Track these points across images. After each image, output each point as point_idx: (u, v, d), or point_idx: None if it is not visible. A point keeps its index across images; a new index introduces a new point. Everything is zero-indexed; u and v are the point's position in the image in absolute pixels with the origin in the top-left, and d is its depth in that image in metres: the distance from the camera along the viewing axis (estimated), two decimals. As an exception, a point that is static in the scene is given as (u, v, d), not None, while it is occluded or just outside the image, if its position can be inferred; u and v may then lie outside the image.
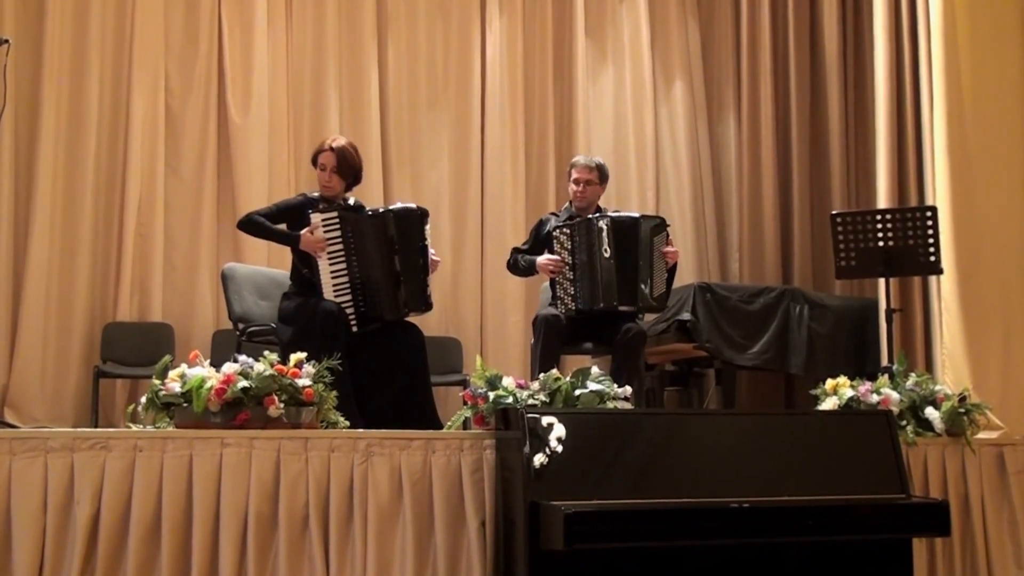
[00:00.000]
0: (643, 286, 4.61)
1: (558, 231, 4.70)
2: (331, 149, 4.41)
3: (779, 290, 5.98)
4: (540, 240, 4.91)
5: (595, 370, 3.76)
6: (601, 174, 4.84)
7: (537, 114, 6.83)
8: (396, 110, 6.58)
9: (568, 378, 3.71)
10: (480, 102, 6.70)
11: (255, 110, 6.25)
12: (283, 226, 4.43)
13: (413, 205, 4.52)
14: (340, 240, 4.32)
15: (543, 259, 4.75)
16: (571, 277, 4.68)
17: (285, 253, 4.62)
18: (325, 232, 4.29)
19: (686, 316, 5.64)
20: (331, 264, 4.30)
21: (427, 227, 4.49)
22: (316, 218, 4.31)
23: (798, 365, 5.83)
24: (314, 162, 4.47)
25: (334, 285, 4.28)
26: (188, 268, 6.10)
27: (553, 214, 5.00)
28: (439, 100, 6.68)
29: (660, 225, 4.73)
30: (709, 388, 6.19)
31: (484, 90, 6.72)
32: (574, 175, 4.84)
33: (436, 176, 6.61)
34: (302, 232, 4.29)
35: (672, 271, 4.76)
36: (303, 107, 6.42)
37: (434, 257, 4.53)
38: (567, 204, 4.98)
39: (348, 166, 4.41)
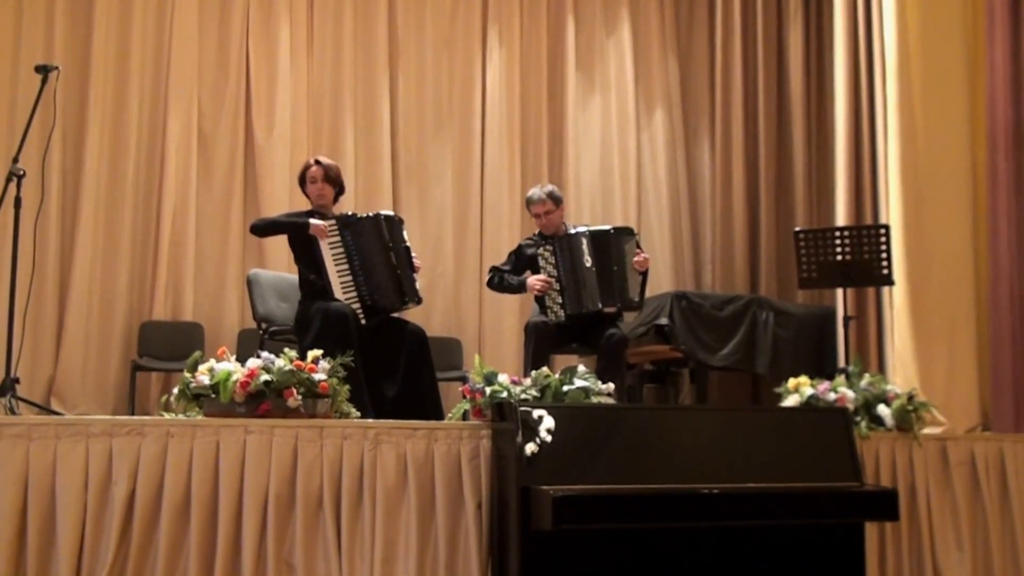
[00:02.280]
0: (622, 288, 4.62)
1: (542, 249, 4.71)
2: (316, 163, 4.51)
3: (747, 298, 5.99)
4: (523, 262, 4.89)
5: (581, 368, 3.76)
6: (554, 200, 4.80)
7: (532, 137, 6.83)
8: (405, 133, 6.58)
9: (557, 375, 3.71)
10: (480, 126, 6.70)
11: (278, 133, 6.25)
12: None
13: (391, 212, 4.58)
14: (340, 244, 4.35)
15: (533, 279, 4.73)
16: (558, 288, 4.69)
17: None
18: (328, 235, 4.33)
19: (663, 321, 5.65)
20: (336, 265, 4.32)
21: (405, 232, 4.56)
22: (317, 222, 4.37)
23: (764, 366, 5.84)
24: (302, 182, 4.51)
25: (341, 283, 4.30)
26: (217, 273, 6.10)
27: (529, 239, 4.98)
28: (444, 124, 6.69)
29: (630, 233, 4.78)
30: (684, 386, 6.19)
31: (484, 115, 6.72)
32: (533, 210, 4.83)
33: (440, 192, 6.61)
34: (310, 219, 4.31)
35: (645, 274, 4.76)
36: (321, 130, 6.42)
37: (416, 261, 4.58)
38: (536, 232, 4.96)
39: (334, 175, 4.51)
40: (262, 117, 6.26)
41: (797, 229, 5.03)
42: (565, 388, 3.66)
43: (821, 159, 6.93)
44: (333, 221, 4.37)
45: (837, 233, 4.77)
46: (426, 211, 6.50)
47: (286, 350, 3.56)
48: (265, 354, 3.53)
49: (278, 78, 6.30)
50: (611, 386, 3.75)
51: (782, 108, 7.05)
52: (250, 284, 4.90)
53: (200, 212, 6.13)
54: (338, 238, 4.35)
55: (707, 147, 7.13)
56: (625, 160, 6.95)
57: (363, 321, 4.29)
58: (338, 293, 4.30)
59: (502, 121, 6.70)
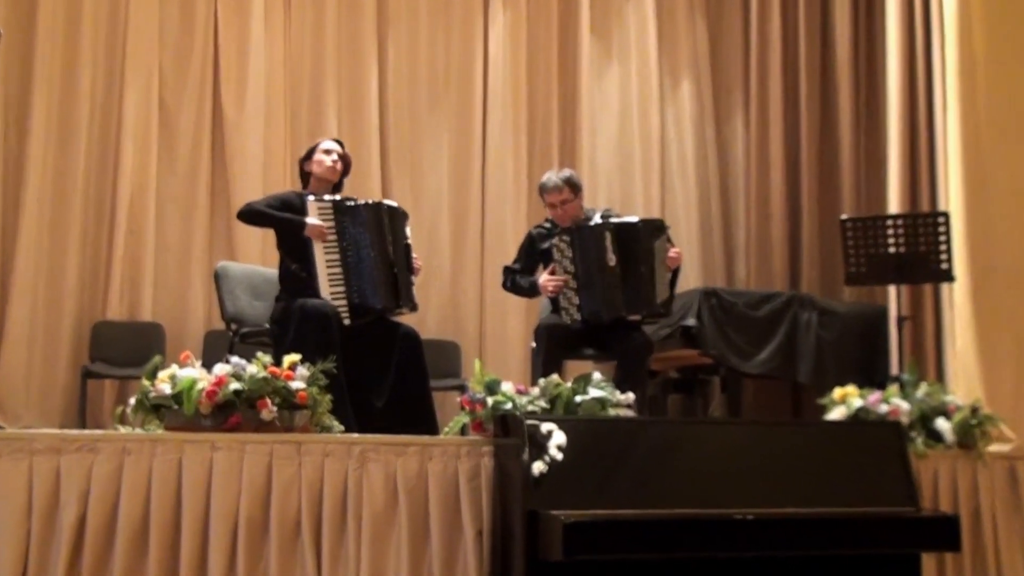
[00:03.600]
0: (649, 293, 4.59)
1: (558, 240, 4.67)
2: (333, 139, 4.62)
3: (787, 296, 5.99)
4: (533, 256, 4.87)
5: (597, 376, 3.75)
6: (572, 187, 4.76)
7: (540, 115, 6.83)
8: (396, 110, 6.58)
9: (569, 384, 3.70)
10: (482, 102, 6.71)
11: (251, 107, 6.26)
12: None
13: (395, 203, 4.60)
14: (334, 230, 4.36)
15: (545, 279, 4.72)
16: (574, 287, 4.65)
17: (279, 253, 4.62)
18: (320, 220, 4.34)
19: (691, 322, 5.64)
20: (327, 255, 4.32)
21: (408, 228, 4.56)
22: (312, 205, 4.36)
23: (806, 373, 5.83)
24: (308, 156, 4.52)
25: (330, 278, 4.29)
26: (180, 266, 6.11)
27: (541, 227, 4.96)
28: (440, 100, 6.69)
29: (661, 227, 4.71)
30: (714, 396, 6.19)
31: (486, 90, 6.72)
32: (547, 199, 4.79)
33: (436, 178, 6.61)
34: (308, 220, 4.32)
35: (675, 274, 4.74)
36: (300, 104, 6.42)
37: (416, 262, 4.59)
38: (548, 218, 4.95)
39: (348, 161, 4.62)
40: (232, 88, 6.27)
41: (844, 217, 5.02)
42: (578, 399, 3.65)
43: (871, 136, 6.91)
44: (329, 205, 4.36)
45: (889, 222, 4.76)
46: (420, 199, 6.51)
47: (259, 354, 3.55)
48: (235, 359, 3.52)
49: (251, 44, 6.31)
50: (631, 396, 3.74)
51: (826, 78, 7.04)
52: (218, 279, 4.89)
53: (161, 196, 6.13)
54: (332, 224, 4.36)
55: (740, 123, 7.13)
56: (647, 139, 6.95)
57: (347, 322, 4.28)
58: (324, 289, 4.30)
59: (506, 96, 6.69)
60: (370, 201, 4.49)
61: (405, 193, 6.47)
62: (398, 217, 4.51)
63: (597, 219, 4.73)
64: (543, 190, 4.81)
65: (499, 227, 6.55)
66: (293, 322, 4.24)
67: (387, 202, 4.55)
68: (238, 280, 4.93)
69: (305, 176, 4.57)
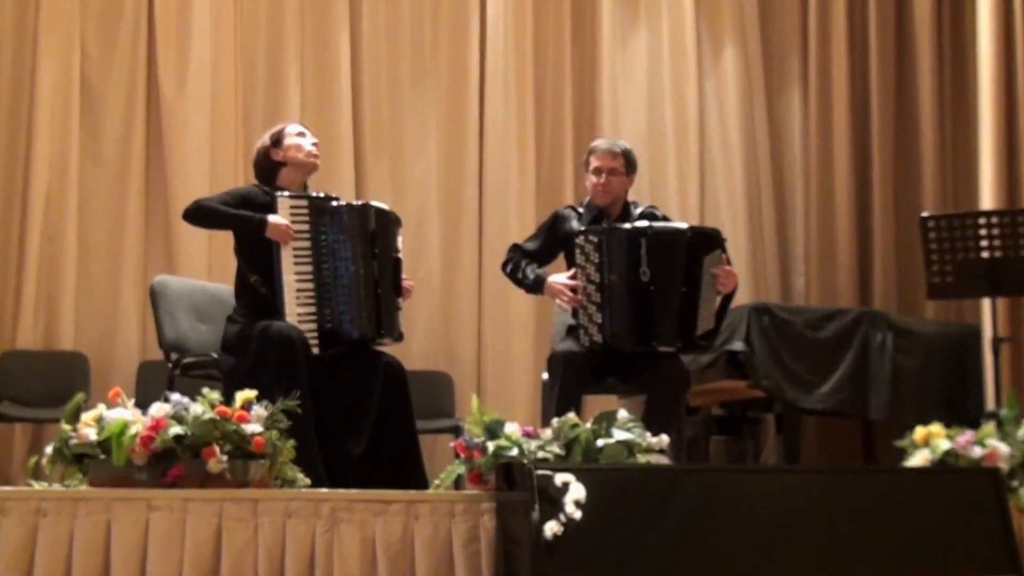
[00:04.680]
0: (689, 321, 4.55)
1: (582, 238, 4.66)
2: (299, 123, 4.63)
3: (855, 313, 5.99)
4: (557, 239, 4.83)
5: (623, 414, 3.75)
6: (628, 162, 4.77)
7: (550, 90, 6.85)
8: (372, 85, 6.60)
9: (589, 424, 3.70)
10: (479, 76, 6.73)
11: (194, 83, 6.27)
12: None
13: (386, 207, 4.58)
14: (308, 235, 4.34)
15: (558, 282, 4.70)
16: (598, 300, 4.62)
17: (230, 265, 4.62)
18: (292, 222, 4.32)
19: (738, 346, 5.64)
20: (297, 267, 4.31)
21: (400, 238, 4.57)
22: (284, 203, 4.35)
23: (879, 409, 5.83)
24: (276, 142, 4.50)
25: (299, 295, 4.29)
26: (108, 281, 6.11)
27: (572, 208, 4.95)
28: (427, 72, 6.70)
29: (715, 240, 4.66)
30: (767, 438, 6.19)
31: (483, 60, 6.74)
32: (593, 163, 4.77)
33: (423, 169, 6.63)
34: (270, 217, 4.31)
35: (727, 301, 4.70)
36: (255, 81, 6.44)
37: (407, 284, 4.60)
38: (587, 199, 4.94)
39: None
40: (171, 62, 6.29)
41: (925, 215, 5.02)
42: (600, 442, 3.65)
43: (959, 114, 6.93)
44: (305, 204, 4.36)
45: (982, 220, 4.76)
46: (402, 194, 6.52)
47: (206, 391, 3.56)
48: (176, 397, 3.53)
49: (194, 6, 6.32)
50: (665, 439, 3.74)
51: (903, 44, 7.05)
52: (155, 297, 4.90)
53: (84, 195, 6.15)
54: (306, 228, 4.34)
55: (797, 99, 7.15)
56: (682, 119, 6.97)
57: (315, 351, 4.28)
58: (289, 309, 4.29)
59: (508, 68, 6.72)
60: (356, 202, 4.49)
61: (384, 188, 6.49)
62: (388, 224, 4.49)
63: (639, 220, 4.70)
64: (592, 151, 4.81)
65: (500, 230, 6.55)
66: (250, 349, 4.25)
67: (376, 204, 4.52)
68: (179, 298, 4.93)
69: (270, 168, 4.52)
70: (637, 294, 4.54)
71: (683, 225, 4.71)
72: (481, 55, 6.76)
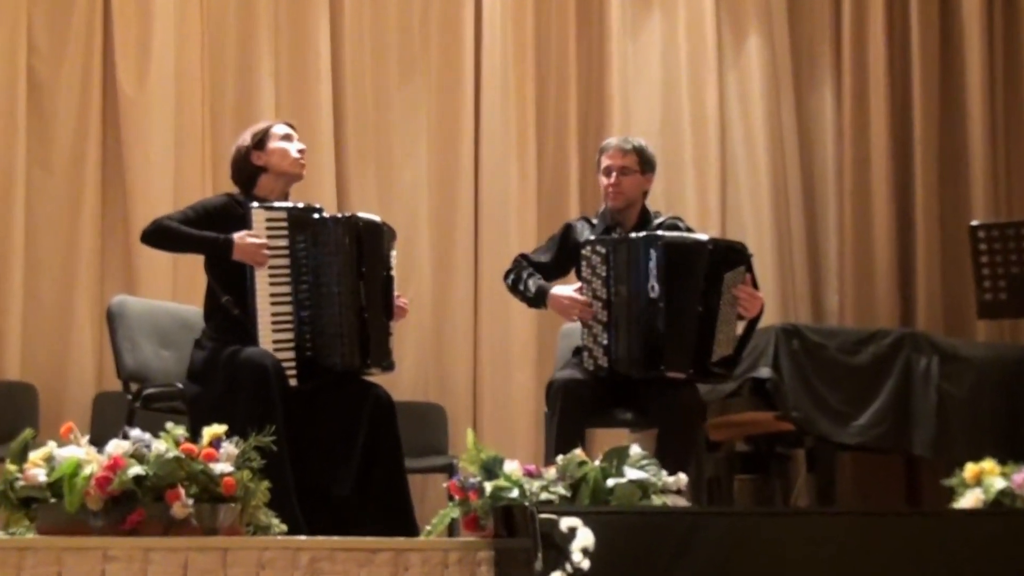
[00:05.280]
0: (704, 345, 4.57)
1: (588, 249, 4.68)
2: (286, 123, 4.61)
3: (896, 335, 6.00)
4: (568, 252, 4.86)
5: (635, 450, 3.76)
6: (642, 160, 4.81)
7: (554, 86, 6.87)
8: (355, 81, 6.61)
9: (598, 462, 3.71)
10: (474, 70, 6.74)
11: (156, 79, 6.27)
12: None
13: (378, 218, 4.57)
14: (287, 252, 4.35)
15: (563, 294, 4.71)
16: (604, 319, 4.65)
17: (198, 284, 4.63)
18: (268, 237, 4.32)
19: (764, 372, 5.64)
20: (273, 287, 4.31)
21: (393, 253, 4.56)
22: (259, 215, 4.34)
23: (924, 443, 5.83)
24: (259, 144, 4.50)
25: (274, 319, 4.29)
26: (59, 303, 6.10)
27: (585, 219, 4.98)
28: (416, 66, 6.72)
29: (740, 255, 4.68)
30: (797, 476, 6.18)
31: (479, 53, 6.76)
32: (604, 162, 4.82)
33: (412, 174, 6.65)
34: (236, 235, 4.31)
35: (751, 326, 4.73)
36: (224, 76, 6.45)
37: (401, 302, 4.59)
38: (602, 208, 4.97)
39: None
40: (131, 55, 6.28)
41: (975, 224, 5.02)
42: (611, 482, 3.66)
43: (1012, 114, 6.95)
44: (283, 216, 4.37)
45: (1040, 230, 4.76)
46: (389, 204, 6.51)
47: (170, 426, 3.56)
48: (136, 432, 3.53)
49: (156, -6, 6.34)
50: (683, 478, 3.75)
51: (948, 32, 7.08)
52: (112, 320, 4.90)
53: (32, 204, 6.14)
54: (284, 244, 4.34)
55: (830, 96, 7.17)
56: (700, 119, 6.99)
57: (293, 382, 4.29)
58: (264, 334, 4.30)
59: (507, 61, 6.74)
60: (341, 215, 4.49)
61: (368, 198, 6.49)
62: (379, 237, 4.48)
63: (651, 232, 4.72)
64: (603, 149, 4.87)
65: (498, 242, 6.57)
66: (218, 378, 4.25)
67: (365, 216, 4.51)
68: (140, 321, 4.94)
69: (249, 173, 4.53)
70: (645, 312, 4.56)
71: (703, 236, 4.72)
72: (476, 48, 6.77)
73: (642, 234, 4.69)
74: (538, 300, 4.80)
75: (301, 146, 4.56)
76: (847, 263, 6.92)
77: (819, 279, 7.05)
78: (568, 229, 4.94)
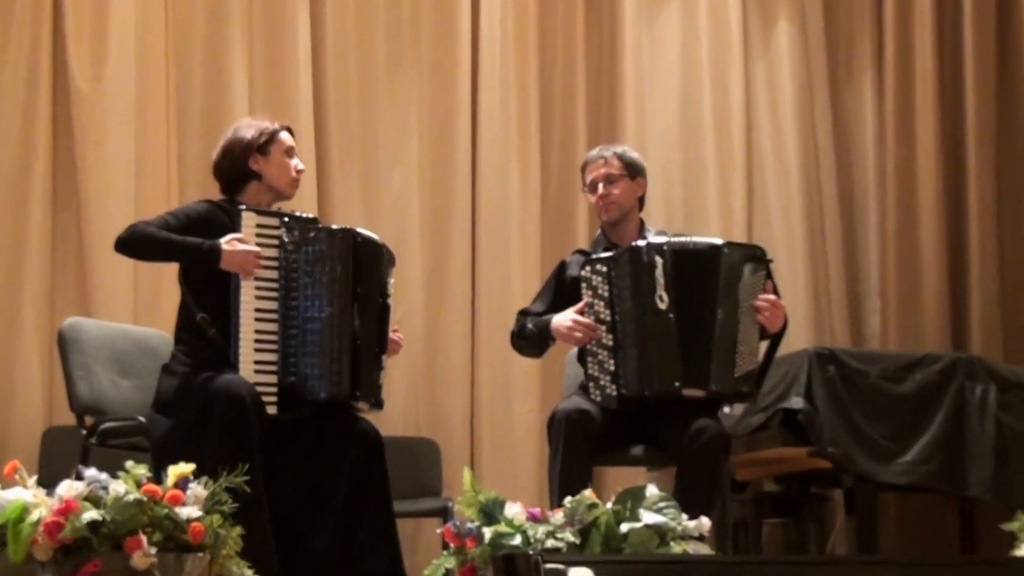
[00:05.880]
0: (724, 358, 4.60)
1: (588, 269, 4.73)
2: (285, 128, 4.65)
3: (947, 360, 5.97)
4: (563, 292, 4.92)
5: (652, 491, 3.77)
6: (626, 163, 4.90)
7: (560, 78, 6.90)
8: (338, 73, 6.63)
9: (610, 504, 3.72)
10: (470, 59, 6.76)
11: (114, 72, 6.26)
12: None
13: (378, 238, 4.60)
14: (276, 264, 4.36)
15: (562, 317, 4.75)
16: (610, 344, 4.68)
17: (162, 304, 4.64)
18: (257, 245, 4.33)
19: (796, 403, 5.63)
20: (257, 300, 4.32)
21: (391, 280, 4.60)
22: (250, 219, 4.36)
23: (980, 483, 5.79)
24: (262, 147, 4.53)
25: (257, 340, 4.31)
26: (2, 325, 6.08)
27: (580, 252, 5.02)
28: (405, 58, 6.74)
29: (756, 259, 4.73)
30: (835, 520, 6.17)
31: (476, 40, 6.78)
32: (588, 177, 4.93)
33: (401, 179, 6.66)
34: (224, 240, 4.32)
35: (776, 339, 4.76)
36: (191, 69, 6.45)
37: (396, 336, 4.64)
38: (596, 234, 5.02)
39: None
40: (85, 43, 6.27)
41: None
42: (624, 527, 3.66)
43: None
44: (276, 224, 4.38)
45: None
46: (376, 212, 6.54)
47: (130, 464, 3.56)
48: (91, 472, 3.52)
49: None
50: (706, 522, 3.75)
51: (1006, 19, 7.07)
52: (64, 344, 4.90)
53: (-27, 211, 6.16)
54: (274, 254, 4.35)
55: (870, 91, 7.19)
56: (724, 117, 7.01)
57: (273, 411, 4.29)
58: (245, 355, 4.30)
59: (508, 51, 6.76)
60: (338, 227, 4.50)
61: (352, 201, 6.52)
62: (377, 259, 4.53)
63: (651, 238, 4.79)
64: (583, 166, 4.99)
65: (498, 257, 6.61)
66: (188, 409, 4.25)
67: (364, 232, 4.54)
68: (96, 346, 4.93)
69: (240, 175, 4.55)
70: (653, 325, 4.60)
71: (717, 240, 4.77)
72: (473, 36, 6.79)
73: (644, 241, 4.75)
74: (543, 337, 4.86)
75: (301, 166, 4.61)
76: (890, 279, 6.92)
77: (858, 297, 7.06)
78: (562, 267, 5.03)
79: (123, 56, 6.31)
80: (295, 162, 4.60)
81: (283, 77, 6.56)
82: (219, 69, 6.50)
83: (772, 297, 4.70)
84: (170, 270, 4.60)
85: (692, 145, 6.99)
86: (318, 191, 6.48)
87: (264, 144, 4.54)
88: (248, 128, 4.59)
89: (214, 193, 4.68)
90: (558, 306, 4.89)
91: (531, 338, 4.92)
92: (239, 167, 4.54)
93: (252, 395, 4.24)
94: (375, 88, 6.69)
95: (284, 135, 4.61)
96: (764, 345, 4.78)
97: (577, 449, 4.58)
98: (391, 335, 4.62)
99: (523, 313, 5.02)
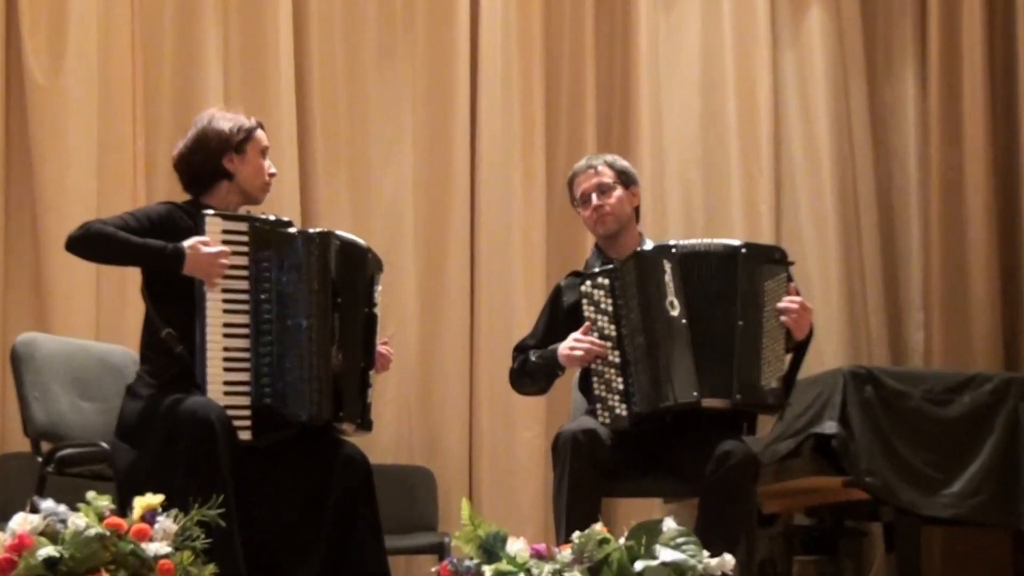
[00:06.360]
0: (746, 365, 4.59)
1: (588, 284, 4.73)
2: (260, 125, 4.62)
3: (999, 380, 5.98)
4: (558, 319, 4.93)
5: (670, 525, 3.76)
6: (617, 171, 4.91)
7: (567, 70, 6.92)
8: (323, 62, 6.64)
9: (623, 540, 3.72)
10: (469, 48, 6.78)
11: (75, 63, 6.27)
12: None
13: (363, 242, 4.58)
14: (246, 273, 4.35)
15: (567, 342, 4.72)
16: (617, 361, 4.68)
17: (128, 318, 4.63)
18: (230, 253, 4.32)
19: (830, 428, 5.63)
20: (226, 313, 4.30)
21: (378, 287, 4.58)
22: (215, 224, 4.33)
23: (1036, 516, 5.83)
24: (239, 146, 4.51)
25: (226, 350, 4.29)
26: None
27: (575, 274, 5.02)
28: (398, 45, 6.75)
29: (775, 260, 4.73)
30: (873, 558, 6.16)
31: (476, 28, 6.80)
32: (577, 190, 4.94)
33: (393, 180, 6.68)
34: (188, 242, 4.31)
35: (802, 348, 4.75)
36: (159, 59, 6.46)
37: (384, 348, 4.63)
38: (593, 251, 5.04)
39: None
40: (43, 32, 6.29)
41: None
42: (639, 565, 3.65)
43: None
44: (244, 228, 4.35)
45: None
46: (365, 218, 6.56)
47: (92, 495, 3.56)
48: (48, 504, 3.53)
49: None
50: (730, 560, 3.75)
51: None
52: (18, 363, 4.89)
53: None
54: (244, 262, 4.32)
55: (912, 85, 7.21)
56: (750, 113, 7.03)
57: (246, 436, 4.29)
58: (213, 374, 4.28)
59: (510, 37, 6.77)
60: (316, 231, 4.48)
61: (339, 206, 6.53)
62: (359, 264, 4.51)
63: (657, 244, 4.81)
64: (570, 180, 5.00)
65: (499, 265, 6.62)
66: (156, 436, 4.24)
67: (346, 235, 4.52)
68: (54, 365, 4.91)
69: (210, 173, 4.52)
70: (665, 334, 4.60)
71: (735, 241, 4.77)
72: (472, 24, 6.81)
73: (650, 246, 4.78)
74: (550, 368, 4.84)
75: (274, 169, 4.60)
76: (935, 290, 6.93)
77: (899, 311, 7.07)
78: (557, 292, 5.02)
79: (84, 46, 6.32)
80: (269, 167, 4.58)
81: (262, 67, 6.57)
82: (191, 58, 6.50)
83: (799, 298, 4.70)
84: (135, 280, 4.59)
85: (714, 143, 7.00)
86: (301, 195, 6.49)
87: (241, 141, 4.53)
88: (224, 120, 4.56)
89: (183, 197, 4.65)
90: (555, 336, 4.89)
91: (535, 372, 4.90)
92: (212, 163, 4.51)
93: (222, 419, 4.19)
94: (364, 80, 6.71)
95: (260, 133, 4.59)
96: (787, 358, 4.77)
97: (585, 475, 4.55)
98: (379, 348, 4.61)
99: (520, 349, 5.01)
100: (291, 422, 4.37)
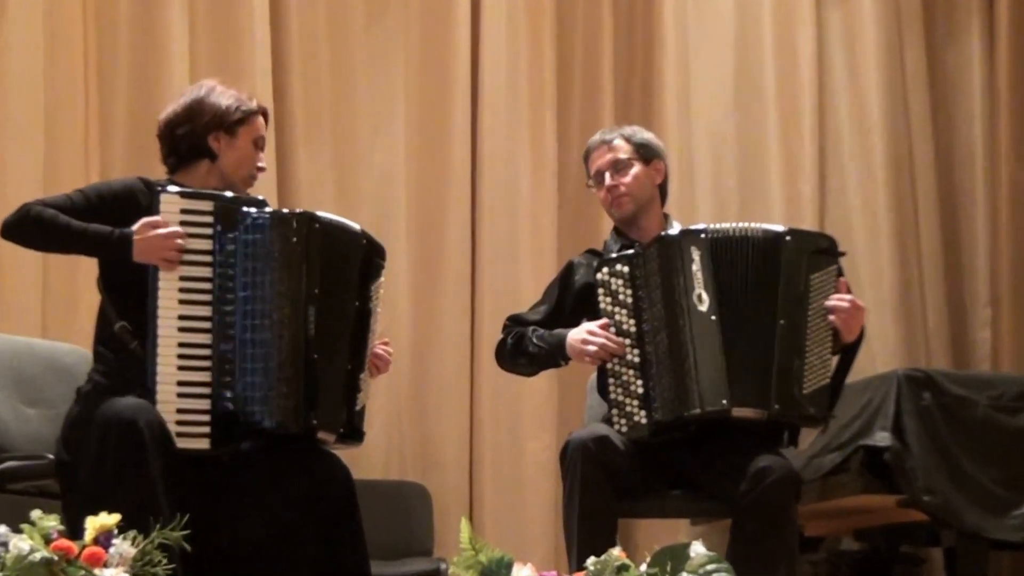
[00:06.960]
0: (786, 370, 4.59)
1: (605, 271, 4.71)
2: (263, 112, 4.61)
3: (1078, 387, 6.00)
4: (569, 298, 4.93)
5: (698, 549, 3.76)
6: (635, 145, 4.90)
7: (582, 26, 6.97)
8: (305, 28, 6.68)
9: (645, 567, 3.71)
10: (470, 17, 6.81)
11: (17, 26, 6.31)
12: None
13: (356, 226, 4.55)
14: (208, 258, 4.31)
15: (578, 331, 4.74)
16: (636, 361, 4.67)
17: (79, 313, 4.62)
18: (185, 234, 4.29)
19: (882, 439, 5.65)
20: (183, 304, 4.29)
21: (377, 280, 4.56)
22: (171, 202, 4.28)
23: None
24: (232, 128, 4.49)
25: (181, 346, 4.27)
26: None
27: (592, 252, 5.01)
28: (389, 9, 6.78)
29: (823, 250, 4.71)
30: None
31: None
32: (591, 169, 4.94)
33: (385, 158, 6.71)
34: (136, 226, 4.25)
35: (851, 351, 4.75)
36: (114, 21, 6.49)
37: (381, 349, 4.61)
38: (611, 235, 5.02)
39: None
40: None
41: None
42: (664, 596, 3.66)
43: None
44: (208, 207, 4.29)
45: None
46: (352, 198, 6.59)
47: (37, 515, 3.57)
48: (-12, 524, 3.54)
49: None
50: (766, 588, 3.76)
51: None
52: (-46, 364, 4.93)
53: None
54: (208, 246, 4.28)
55: (978, 46, 7.23)
56: (790, 86, 7.06)
57: (203, 444, 4.26)
58: (165, 372, 4.24)
59: (516, 6, 6.79)
60: (292, 211, 4.48)
61: (324, 190, 6.57)
62: (348, 251, 4.48)
63: (686, 228, 4.78)
64: (585, 155, 5.00)
65: (504, 255, 6.67)
66: (87, 445, 4.20)
67: (329, 216, 4.49)
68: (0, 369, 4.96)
69: (192, 149, 4.49)
70: (693, 331, 4.57)
71: (779, 227, 4.74)
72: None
73: (676, 230, 4.75)
74: (553, 356, 4.82)
75: (264, 164, 4.58)
76: (1004, 284, 6.96)
77: (961, 308, 7.10)
78: (569, 269, 4.99)
79: (28, 6, 6.32)
80: (260, 156, 4.56)
81: (232, 29, 6.60)
82: (150, 21, 6.52)
83: (850, 296, 4.67)
84: (87, 271, 4.58)
85: (749, 117, 7.03)
86: (277, 171, 6.49)
87: (236, 122, 4.51)
88: (224, 96, 4.54)
89: (143, 171, 4.63)
90: (561, 312, 4.91)
91: (533, 356, 4.87)
92: (197, 138, 4.49)
93: (152, 424, 4.12)
94: (350, 43, 6.73)
95: (260, 121, 4.58)
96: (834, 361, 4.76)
97: (597, 488, 4.54)
98: (375, 349, 4.58)
99: (514, 321, 4.98)
100: (257, 429, 4.32)
